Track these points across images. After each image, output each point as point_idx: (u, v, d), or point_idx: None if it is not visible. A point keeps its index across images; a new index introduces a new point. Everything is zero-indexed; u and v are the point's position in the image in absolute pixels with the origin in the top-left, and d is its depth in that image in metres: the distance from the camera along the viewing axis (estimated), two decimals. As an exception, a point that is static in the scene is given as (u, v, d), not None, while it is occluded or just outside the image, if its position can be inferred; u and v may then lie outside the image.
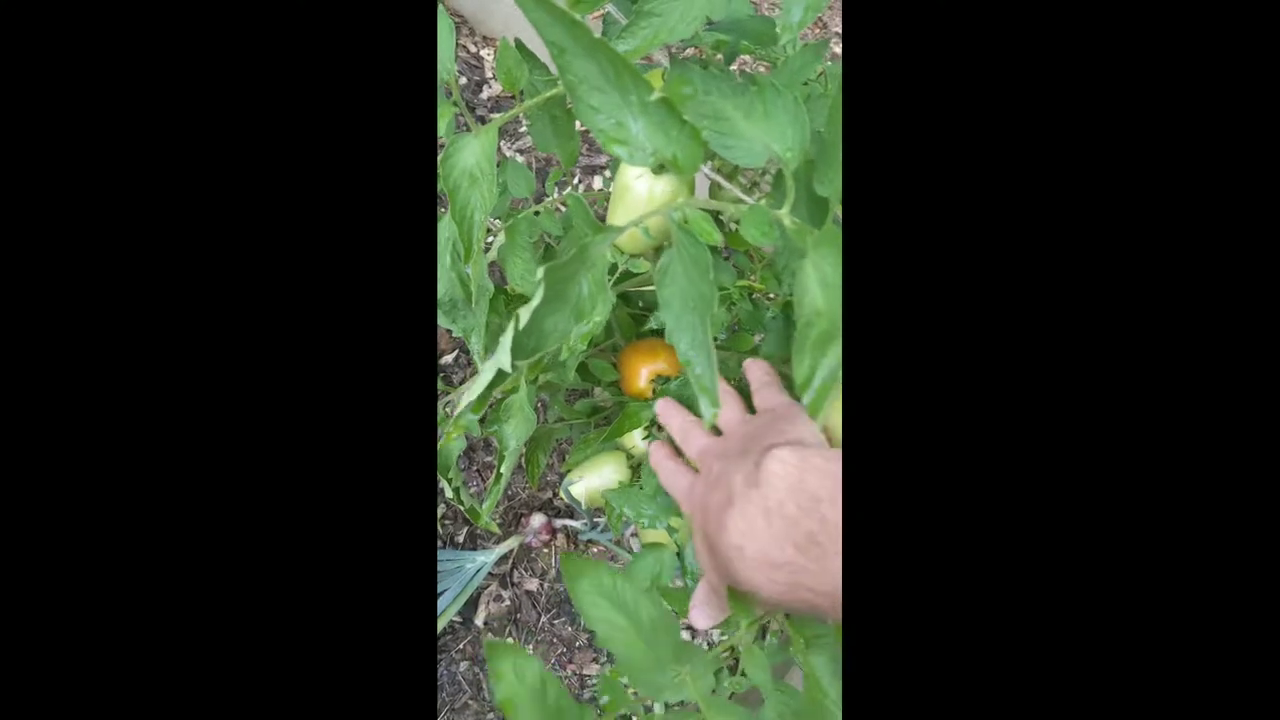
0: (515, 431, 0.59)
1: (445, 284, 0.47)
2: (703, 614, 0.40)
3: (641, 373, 0.58)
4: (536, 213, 0.55)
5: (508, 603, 1.09)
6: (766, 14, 0.77)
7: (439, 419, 0.54)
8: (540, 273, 0.30)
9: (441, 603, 1.03)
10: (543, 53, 0.38)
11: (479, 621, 1.08)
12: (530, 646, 1.07)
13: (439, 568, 1.04)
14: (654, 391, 0.58)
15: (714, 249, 0.37)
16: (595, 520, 1.11)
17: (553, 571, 1.12)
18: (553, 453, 1.01)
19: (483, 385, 0.41)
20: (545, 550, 1.12)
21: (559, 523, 1.12)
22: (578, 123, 0.56)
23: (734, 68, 0.48)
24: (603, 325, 0.54)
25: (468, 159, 0.40)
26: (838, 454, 0.34)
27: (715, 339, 0.58)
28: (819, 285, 0.34)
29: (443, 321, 0.49)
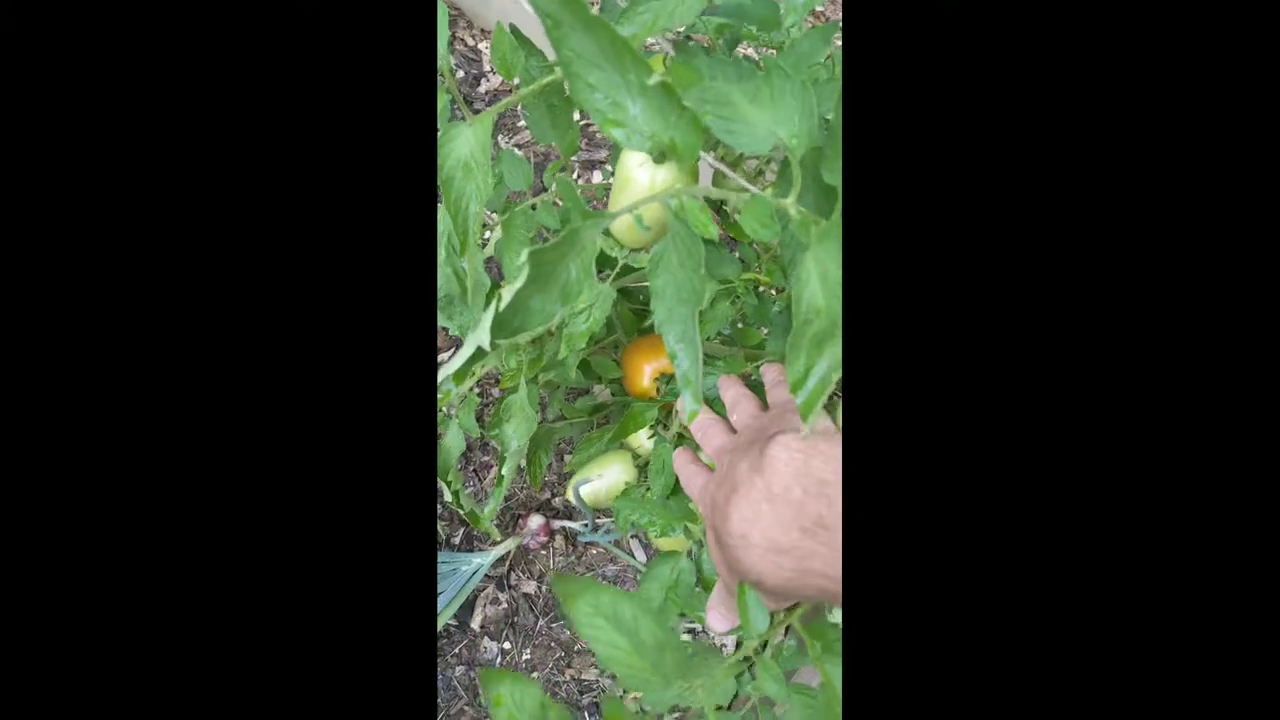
0: (517, 432, 0.57)
1: (440, 279, 0.46)
2: (719, 617, 0.39)
3: (645, 370, 0.57)
4: (533, 206, 0.54)
5: (505, 605, 1.08)
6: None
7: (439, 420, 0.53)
8: (524, 255, 0.29)
9: (437, 605, 1.02)
10: (540, 41, 0.37)
11: (475, 625, 1.06)
12: (528, 650, 1.06)
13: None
14: (658, 391, 0.57)
15: (714, 242, 0.36)
16: (596, 522, 1.10)
17: (551, 574, 1.11)
18: (551, 453, 1.00)
19: (461, 360, 0.39)
20: (543, 552, 1.11)
21: (557, 524, 1.11)
22: (576, 114, 0.55)
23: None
24: (603, 321, 0.52)
25: (462, 149, 0.39)
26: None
27: (720, 333, 0.56)
28: (819, 281, 0.33)
29: (439, 318, 0.48)
